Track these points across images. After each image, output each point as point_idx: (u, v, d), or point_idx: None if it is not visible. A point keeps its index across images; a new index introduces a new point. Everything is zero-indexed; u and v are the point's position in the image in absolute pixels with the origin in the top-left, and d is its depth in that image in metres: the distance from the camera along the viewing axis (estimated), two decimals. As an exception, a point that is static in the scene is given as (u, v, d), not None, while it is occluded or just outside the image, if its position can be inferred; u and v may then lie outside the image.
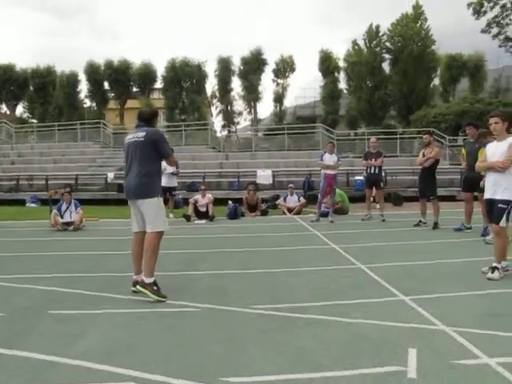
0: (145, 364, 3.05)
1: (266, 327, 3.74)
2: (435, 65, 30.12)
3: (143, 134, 4.69)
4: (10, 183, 20.66)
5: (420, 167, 9.62)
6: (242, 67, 32.93)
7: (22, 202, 17.79)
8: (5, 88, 33.70)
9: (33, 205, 17.45)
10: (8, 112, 35.54)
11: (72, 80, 33.64)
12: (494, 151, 5.44)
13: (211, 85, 34.60)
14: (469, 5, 29.30)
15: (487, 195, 5.44)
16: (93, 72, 32.91)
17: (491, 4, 28.81)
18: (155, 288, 4.60)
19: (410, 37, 29.15)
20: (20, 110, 36.57)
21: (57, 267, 6.17)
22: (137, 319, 4.01)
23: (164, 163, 12.91)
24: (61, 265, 6.35)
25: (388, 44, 30.59)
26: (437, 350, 3.21)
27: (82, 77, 33.67)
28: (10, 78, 33.62)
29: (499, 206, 5.20)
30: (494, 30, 29.55)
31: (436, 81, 31.25)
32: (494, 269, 5.18)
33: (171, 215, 12.03)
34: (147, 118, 4.88)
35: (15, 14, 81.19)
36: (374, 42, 30.53)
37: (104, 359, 3.13)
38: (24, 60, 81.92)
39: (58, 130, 27.14)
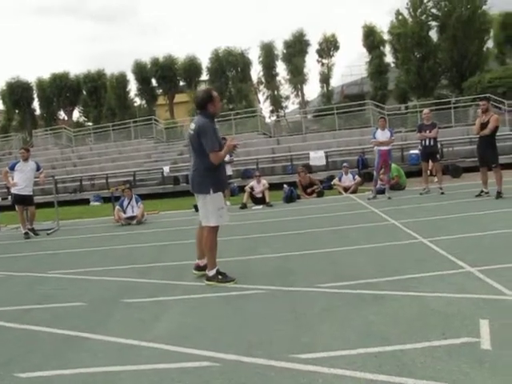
0: (216, 345, 3.18)
1: (331, 305, 3.79)
2: (487, 26, 28.44)
3: (194, 126, 4.64)
4: (73, 184, 21.71)
5: (478, 136, 9.25)
6: (285, 51, 32.60)
7: (86, 202, 18.68)
8: (61, 95, 35.19)
9: (96, 203, 18.28)
10: (66, 118, 37.15)
11: (121, 81, 34.58)
12: None
13: (256, 71, 34.52)
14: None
15: None
16: (140, 71, 33.67)
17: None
18: (220, 277, 4.71)
19: (458, -1, 27.69)
20: (76, 114, 38.13)
21: (126, 259, 6.48)
22: (205, 304, 4.17)
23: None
24: (129, 257, 6.66)
25: (434, 10, 29.16)
26: (510, 320, 3.13)
27: (131, 76, 34.56)
28: (65, 86, 35.06)
29: None
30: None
31: (490, 43, 29.58)
32: None
33: (228, 203, 12.25)
34: (199, 104, 4.68)
35: (64, 23, 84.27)
36: (419, 11, 29.19)
37: (178, 341, 3.30)
38: (76, 67, 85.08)
39: (113, 130, 28.14)
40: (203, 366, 2.89)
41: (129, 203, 10.48)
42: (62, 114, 37.88)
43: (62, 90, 35.02)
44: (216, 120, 5.06)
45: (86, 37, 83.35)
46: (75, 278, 5.58)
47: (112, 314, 4.06)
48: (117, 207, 10.59)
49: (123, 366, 2.99)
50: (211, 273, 4.73)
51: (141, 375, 2.86)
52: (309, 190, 12.35)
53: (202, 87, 35.37)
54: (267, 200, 11.42)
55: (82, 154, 26.50)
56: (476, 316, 3.23)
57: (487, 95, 13.22)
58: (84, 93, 35.53)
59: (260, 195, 11.64)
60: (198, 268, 4.99)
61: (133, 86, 35.08)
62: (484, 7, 27.88)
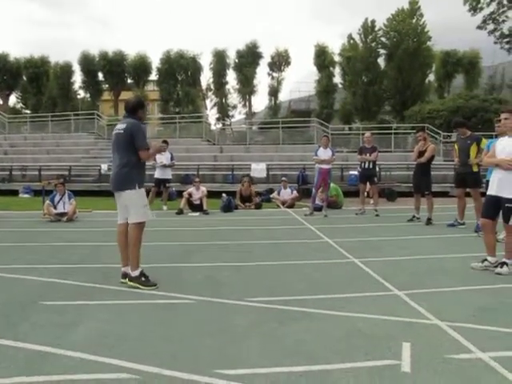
0: (137, 355, 3.04)
1: (260, 320, 3.74)
2: (430, 61, 30.16)
3: (123, 126, 4.72)
4: (2, 173, 20.52)
5: (415, 163, 9.64)
6: (237, 60, 32.81)
7: (14, 193, 17.67)
8: (-2, 77, 33.40)
9: (26, 195, 17.34)
10: (1, 102, 35.21)
11: (66, 71, 33.36)
12: (503, 147, 5.31)
13: (206, 77, 34.47)
14: (465, 1, 29.30)
15: (491, 191, 5.34)
16: (87, 63, 32.64)
17: (488, 0, 28.83)
18: (143, 279, 4.65)
19: (406, 32, 29.13)
20: (13, 100, 36.32)
21: (50, 258, 6.13)
22: (129, 310, 3.99)
23: (158, 155, 12.83)
24: (54, 255, 6.31)
25: (383, 39, 30.56)
26: (431, 344, 3.22)
27: (76, 67, 33.44)
28: (3, 68, 33.27)
29: (506, 205, 5.14)
30: (490, 27, 29.68)
31: (431, 77, 31.32)
32: (503, 264, 5.21)
33: (165, 207, 12.01)
34: (131, 109, 4.84)
35: (7, 2, 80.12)
36: (370, 37, 30.50)
37: (97, 350, 3.12)
38: (17, 50, 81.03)
39: (52, 120, 26.94)
40: (121, 378, 2.74)
41: (61, 199, 10.01)
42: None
43: (-1, 72, 33.22)
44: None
45: (29, 19, 79.68)
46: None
47: (27, 316, 3.78)
48: (47, 202, 10.08)
49: (31, 377, 2.75)
50: (135, 273, 4.65)
51: (51, 386, 2.66)
52: (247, 204, 12.33)
53: (150, 87, 34.88)
54: (205, 207, 11.30)
55: (15, 143, 25.16)
56: (399, 339, 3.29)
57: (425, 126, 13.85)
58: (24, 78, 33.88)
59: (198, 202, 11.50)
60: (126, 276, 4.80)
61: (78, 78, 33.97)
62: (428, 43, 29.59)
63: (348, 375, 2.78)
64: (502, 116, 5.40)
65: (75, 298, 4.26)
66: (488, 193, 5.47)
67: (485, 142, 8.03)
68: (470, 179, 8.25)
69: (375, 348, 3.15)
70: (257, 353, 3.10)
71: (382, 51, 30.73)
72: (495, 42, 30.01)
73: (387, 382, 2.69)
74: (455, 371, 2.82)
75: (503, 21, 29.30)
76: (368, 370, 2.84)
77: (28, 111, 33.97)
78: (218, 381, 2.71)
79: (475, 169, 8.21)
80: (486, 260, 5.40)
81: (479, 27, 29.75)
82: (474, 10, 29.26)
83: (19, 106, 36.07)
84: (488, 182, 5.81)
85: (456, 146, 8.72)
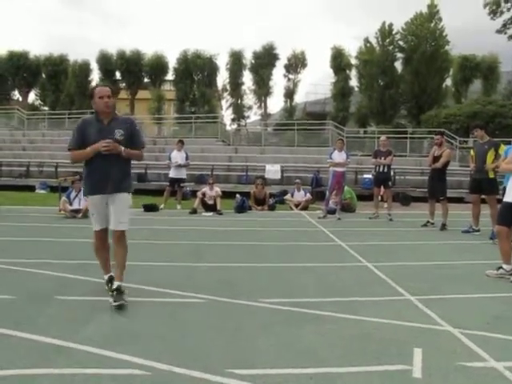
0: (149, 352, 3.07)
1: (271, 321, 3.75)
2: (448, 65, 29.81)
3: None
4: (20, 169, 20.79)
5: (430, 168, 9.57)
6: (253, 61, 32.78)
7: (31, 188, 17.91)
8: (18, 75, 33.75)
9: (42, 191, 17.57)
10: (20, 99, 35.68)
11: (84, 69, 33.66)
12: None
13: (222, 78, 34.52)
14: (485, 5, 28.99)
15: (508, 198, 5.31)
16: (105, 62, 32.91)
17: (508, 4, 28.48)
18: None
19: (424, 36, 28.86)
20: (32, 97, 36.70)
21: (65, 253, 6.21)
22: (143, 308, 4.03)
23: (174, 154, 12.92)
24: (69, 251, 6.39)
25: (401, 43, 30.30)
26: (443, 351, 3.20)
27: (94, 66, 33.74)
28: (23, 65, 33.69)
29: None
30: (510, 31, 29.27)
31: (448, 81, 30.96)
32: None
33: (179, 206, 12.09)
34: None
35: (28, 1, 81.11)
36: (387, 41, 30.27)
37: (110, 346, 3.16)
38: (37, 48, 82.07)
39: (69, 118, 27.19)
40: (134, 374, 2.78)
41: (76, 195, 10.13)
42: (16, 95, 36.39)
43: (19, 70, 33.62)
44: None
45: (48, 17, 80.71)
46: (6, 269, 5.27)
47: (43, 310, 3.85)
48: (63, 198, 10.22)
49: (45, 369, 2.82)
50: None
51: (65, 380, 2.70)
52: (259, 208, 12.31)
53: (166, 87, 35.09)
54: (218, 207, 11.34)
55: (33, 139, 25.45)
56: (411, 344, 3.27)
57: (442, 130, 13.77)
58: (43, 76, 34.28)
59: (211, 202, 11.54)
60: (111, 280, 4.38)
61: (95, 76, 34.23)
62: (446, 47, 29.26)
63: (358, 379, 2.78)
64: None
65: (90, 294, 4.32)
66: (504, 200, 5.42)
67: (503, 147, 7.93)
68: (485, 185, 8.17)
69: (386, 352, 3.14)
70: (268, 354, 3.12)
71: (399, 55, 30.47)
72: (515, 47, 29.63)
73: (398, 387, 2.68)
74: (467, 379, 2.80)
75: (524, 26, 28.93)
76: (379, 374, 2.84)
77: (46, 108, 34.34)
78: (230, 380, 2.73)
79: (491, 175, 8.12)
80: (501, 268, 5.34)
81: (498, 31, 29.40)
82: (494, 13, 28.90)
83: (38, 103, 36.49)
84: (505, 188, 5.75)
85: (472, 152, 8.65)
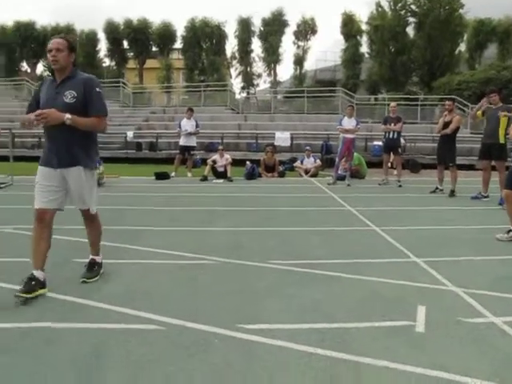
0: (163, 310, 3.22)
1: (281, 281, 3.88)
2: (462, 30, 29.05)
3: None
4: (32, 140, 20.96)
5: (439, 134, 9.52)
6: (262, 28, 32.34)
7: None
8: (26, 46, 33.69)
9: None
10: (29, 70, 35.64)
11: (91, 38, 33.47)
12: None
13: (231, 46, 34.14)
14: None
15: None
16: (112, 31, 32.66)
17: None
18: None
19: (438, -1, 28.11)
20: (40, 68, 36.65)
21: (79, 219, 6.34)
22: (155, 269, 4.18)
23: (183, 122, 12.91)
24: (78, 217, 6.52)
25: (413, 7, 29.52)
26: (445, 308, 3.31)
27: (102, 35, 33.49)
28: (30, 36, 33.54)
29: None
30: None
31: (462, 47, 30.27)
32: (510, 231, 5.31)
33: (189, 174, 12.20)
34: None
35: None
36: (399, 5, 29.50)
37: (125, 304, 3.31)
38: (43, 18, 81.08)
39: (78, 88, 27.17)
40: (148, 329, 2.92)
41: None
42: (24, 66, 36.34)
43: (27, 41, 33.48)
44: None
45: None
46: (25, 234, 5.43)
47: (61, 272, 4.02)
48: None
49: (69, 323, 3.00)
50: (99, 259, 4.09)
51: (87, 333, 2.87)
52: (269, 175, 12.39)
53: (174, 56, 34.75)
54: (229, 175, 11.43)
55: (43, 110, 25.51)
56: (415, 302, 3.38)
57: (453, 96, 13.55)
58: (50, 46, 34.10)
59: (222, 169, 11.64)
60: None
61: (103, 46, 34.04)
62: (461, 11, 28.42)
63: (365, 333, 2.90)
64: None
65: (104, 257, 4.45)
66: None
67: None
68: (495, 151, 8.12)
69: (391, 310, 3.26)
70: (277, 310, 3.25)
71: (411, 19, 29.74)
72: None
73: (402, 340, 2.80)
74: (468, 333, 2.91)
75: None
76: (384, 329, 2.96)
77: (54, 79, 34.27)
78: (240, 334, 2.86)
79: (502, 140, 8.07)
80: (511, 231, 5.40)
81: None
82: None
83: (46, 74, 36.40)
84: None
85: (479, 112, 8.55)
